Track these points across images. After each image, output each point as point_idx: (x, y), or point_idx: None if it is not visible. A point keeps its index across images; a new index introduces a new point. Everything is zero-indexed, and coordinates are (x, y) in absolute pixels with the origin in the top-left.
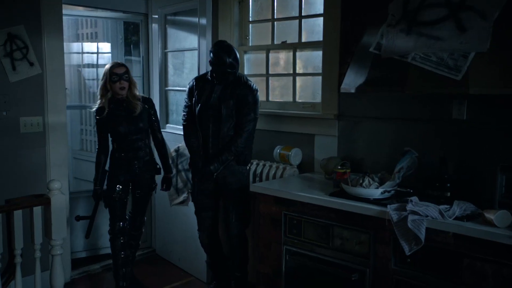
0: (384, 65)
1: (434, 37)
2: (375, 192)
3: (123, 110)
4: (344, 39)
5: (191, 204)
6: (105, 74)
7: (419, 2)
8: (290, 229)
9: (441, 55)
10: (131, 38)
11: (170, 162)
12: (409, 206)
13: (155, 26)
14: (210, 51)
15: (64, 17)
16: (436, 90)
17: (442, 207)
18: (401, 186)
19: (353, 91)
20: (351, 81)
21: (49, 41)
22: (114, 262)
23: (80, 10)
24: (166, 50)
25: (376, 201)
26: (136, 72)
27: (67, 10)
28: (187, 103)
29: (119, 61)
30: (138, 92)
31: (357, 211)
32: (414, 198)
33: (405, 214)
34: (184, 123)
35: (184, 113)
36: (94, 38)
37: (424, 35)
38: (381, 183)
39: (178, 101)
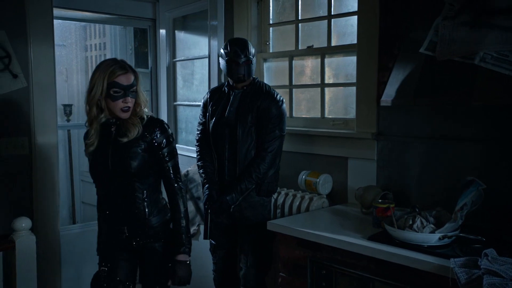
0: (441, 69)
1: None
2: (431, 237)
3: (111, 135)
4: (384, 40)
5: (204, 239)
6: (95, 82)
7: None
8: (317, 280)
9: None
10: (140, 48)
11: (184, 229)
12: (484, 263)
13: (162, 32)
14: (222, 49)
15: (68, 24)
16: None
17: None
18: (464, 228)
19: (397, 103)
20: (395, 91)
21: (37, 49)
22: None
23: (86, 14)
24: (174, 59)
25: (431, 250)
26: (144, 85)
27: (68, 12)
28: (201, 119)
29: (122, 59)
30: (148, 110)
31: (406, 263)
32: (491, 251)
33: (477, 274)
34: (197, 143)
35: (198, 132)
36: (102, 49)
37: (497, 27)
38: (437, 224)
39: (188, 117)
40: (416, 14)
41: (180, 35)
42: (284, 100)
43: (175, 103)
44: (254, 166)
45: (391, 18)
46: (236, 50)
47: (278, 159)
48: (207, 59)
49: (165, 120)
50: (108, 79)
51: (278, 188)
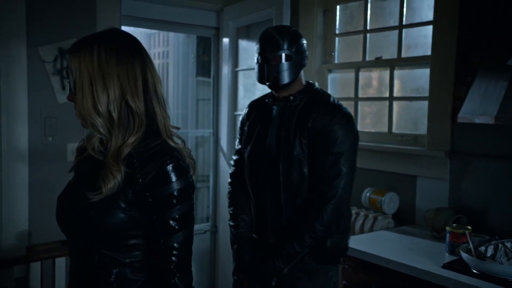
0: None
1: None
2: None
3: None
4: (462, 52)
5: None
6: None
7: None
8: None
9: None
10: (203, 56)
11: None
12: None
13: (225, 41)
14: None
15: (134, 33)
16: None
17: None
18: None
19: (478, 121)
20: (475, 107)
21: None
22: None
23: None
24: (237, 69)
25: None
26: (206, 94)
27: (135, 21)
28: (237, 145)
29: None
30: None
31: None
32: None
33: None
34: (229, 179)
35: (232, 164)
36: (165, 57)
37: None
38: None
39: None
40: (501, 24)
41: (243, 44)
42: (352, 115)
43: (235, 113)
44: (308, 224)
45: (472, 29)
46: (264, 45)
47: (345, 205)
48: None
49: (225, 128)
50: None
51: None
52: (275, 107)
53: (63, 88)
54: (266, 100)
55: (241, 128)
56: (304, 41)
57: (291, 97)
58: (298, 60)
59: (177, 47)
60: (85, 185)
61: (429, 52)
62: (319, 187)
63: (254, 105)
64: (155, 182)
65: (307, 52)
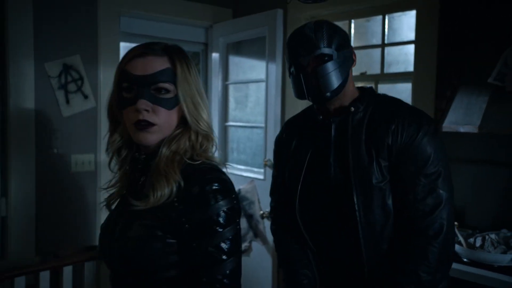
0: (510, 99)
1: None
2: (503, 258)
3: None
4: (442, 70)
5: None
6: (113, 83)
7: None
8: None
9: None
10: None
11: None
12: None
13: (215, 56)
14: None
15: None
16: None
17: None
18: None
19: (462, 130)
20: (459, 118)
21: (105, 72)
22: None
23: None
24: (227, 82)
25: (502, 270)
26: None
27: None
28: (275, 180)
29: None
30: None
31: (481, 282)
32: None
33: None
34: (273, 226)
35: (272, 204)
36: None
37: None
38: (505, 245)
39: (240, 138)
40: (479, 46)
41: (235, 59)
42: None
43: (226, 124)
44: (408, 273)
45: (451, 48)
46: (295, 50)
47: (452, 241)
48: (263, 83)
49: (216, 140)
50: (119, 67)
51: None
52: (334, 124)
53: (67, 102)
54: (320, 117)
55: (278, 155)
56: (345, 34)
57: (352, 108)
58: (343, 58)
59: None
60: (135, 193)
61: (410, 68)
62: (415, 223)
63: (294, 125)
64: (194, 205)
65: (352, 47)
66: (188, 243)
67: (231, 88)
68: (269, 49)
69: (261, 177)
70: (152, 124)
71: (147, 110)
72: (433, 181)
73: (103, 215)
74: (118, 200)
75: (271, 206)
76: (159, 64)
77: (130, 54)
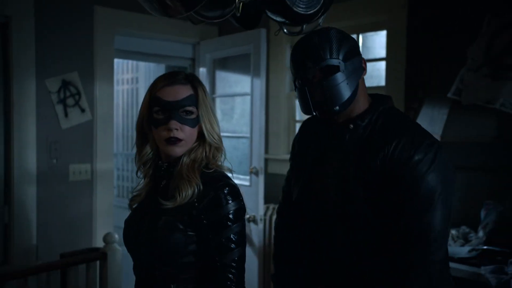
0: (467, 112)
1: None
2: (462, 250)
3: (157, 190)
4: (410, 85)
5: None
6: (143, 103)
7: (504, 45)
8: None
9: None
10: None
11: None
12: (511, 269)
13: (202, 71)
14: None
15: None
16: None
17: None
18: (486, 244)
19: None
20: (425, 128)
21: (101, 87)
22: None
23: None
24: (214, 95)
25: (462, 261)
26: None
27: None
28: (285, 184)
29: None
30: (219, 152)
31: None
32: None
33: (506, 278)
34: (277, 219)
35: (281, 202)
36: (134, 83)
37: None
38: (464, 239)
39: (227, 147)
40: (440, 64)
41: (221, 73)
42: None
43: None
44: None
45: (417, 66)
46: (299, 62)
47: (447, 270)
48: (248, 97)
49: None
50: (150, 94)
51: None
52: (348, 134)
53: (66, 115)
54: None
55: (292, 152)
56: (354, 42)
57: (351, 125)
58: (351, 69)
59: (147, 74)
60: (160, 194)
61: (382, 83)
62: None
63: (309, 126)
64: (211, 205)
65: (361, 54)
66: (205, 235)
67: (218, 101)
68: (254, 65)
69: (247, 183)
70: (180, 140)
71: (176, 129)
72: (430, 207)
73: (99, 220)
74: (141, 201)
75: (279, 202)
76: (185, 91)
77: (160, 83)
